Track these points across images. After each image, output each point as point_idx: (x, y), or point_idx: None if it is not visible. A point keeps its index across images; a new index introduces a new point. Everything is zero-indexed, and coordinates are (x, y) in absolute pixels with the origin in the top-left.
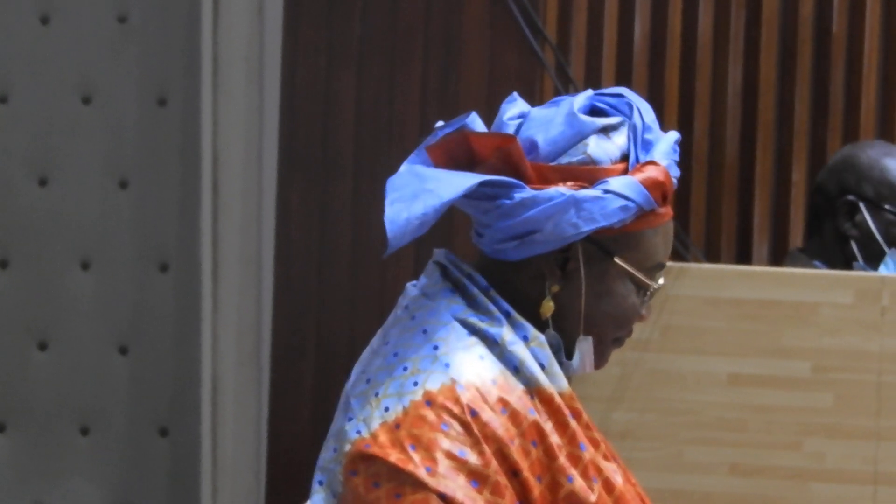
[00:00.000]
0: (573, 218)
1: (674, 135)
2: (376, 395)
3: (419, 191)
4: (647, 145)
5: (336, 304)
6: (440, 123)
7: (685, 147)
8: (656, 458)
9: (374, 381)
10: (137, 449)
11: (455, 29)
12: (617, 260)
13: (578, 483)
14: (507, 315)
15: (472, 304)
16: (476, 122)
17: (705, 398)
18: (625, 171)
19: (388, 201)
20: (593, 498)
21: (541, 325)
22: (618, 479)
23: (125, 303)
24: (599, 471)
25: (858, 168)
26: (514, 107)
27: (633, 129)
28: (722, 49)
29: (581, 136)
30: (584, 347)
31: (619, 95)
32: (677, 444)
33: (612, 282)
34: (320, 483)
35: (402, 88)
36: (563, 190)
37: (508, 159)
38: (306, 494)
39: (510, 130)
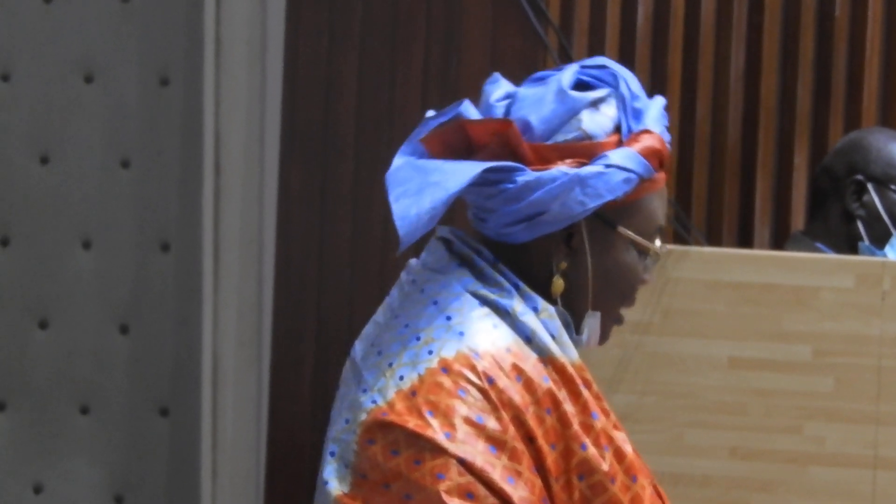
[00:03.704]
0: (579, 196)
1: (661, 100)
2: (390, 365)
3: (424, 184)
4: (638, 114)
5: (336, 285)
6: (431, 113)
7: (687, 131)
8: (656, 440)
9: (387, 352)
10: (137, 429)
11: (457, 11)
12: (620, 229)
13: (591, 451)
14: (517, 287)
15: (481, 277)
16: (469, 110)
17: (706, 381)
18: (619, 143)
19: (392, 197)
20: (605, 466)
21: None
22: (628, 447)
23: (126, 282)
24: (611, 440)
25: (867, 149)
26: (498, 88)
27: (622, 99)
28: (724, 33)
29: (573, 112)
30: (592, 322)
31: (603, 67)
32: (677, 427)
33: (618, 252)
34: (332, 454)
35: (403, 70)
36: (565, 169)
37: (507, 143)
38: (306, 475)
39: (499, 112)
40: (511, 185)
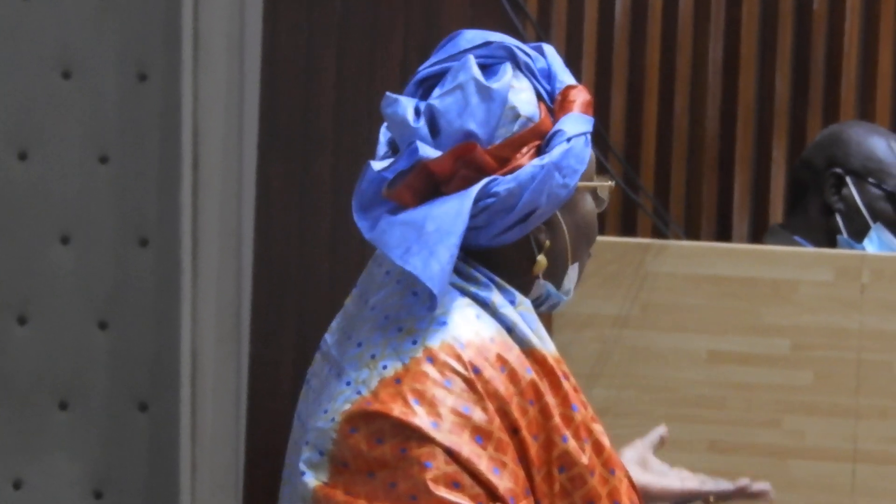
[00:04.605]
0: (560, 180)
1: (551, 48)
2: (373, 356)
3: (424, 236)
4: (546, 73)
5: (316, 280)
6: (379, 165)
7: (665, 125)
8: (635, 434)
9: (368, 343)
10: (116, 424)
11: (436, 5)
12: (578, 184)
13: (572, 444)
14: (492, 280)
15: (455, 270)
16: (424, 149)
17: (685, 375)
18: (548, 110)
19: (398, 260)
20: (585, 459)
21: (524, 290)
22: (606, 440)
23: (105, 278)
24: (590, 432)
25: (846, 143)
26: (405, 108)
27: (526, 66)
28: (702, 26)
29: (503, 103)
30: (573, 276)
31: (488, 43)
32: (656, 420)
33: (581, 205)
34: (307, 443)
35: (382, 65)
36: (536, 162)
37: (472, 163)
38: None
39: (424, 132)
40: (493, 199)
